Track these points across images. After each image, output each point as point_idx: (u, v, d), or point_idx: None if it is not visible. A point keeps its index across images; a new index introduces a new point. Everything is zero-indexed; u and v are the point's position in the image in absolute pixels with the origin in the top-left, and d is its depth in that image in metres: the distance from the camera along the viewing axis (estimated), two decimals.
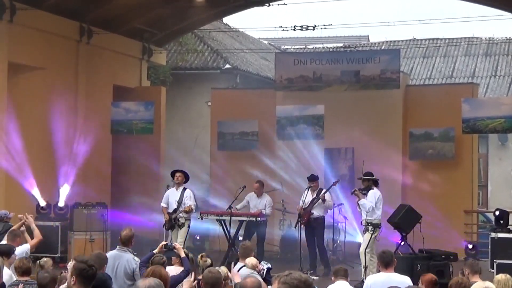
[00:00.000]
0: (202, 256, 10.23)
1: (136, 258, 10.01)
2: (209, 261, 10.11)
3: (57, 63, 17.78)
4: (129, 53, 20.46)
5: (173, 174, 15.13)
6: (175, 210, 14.72)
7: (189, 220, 14.84)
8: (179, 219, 14.68)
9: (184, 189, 14.83)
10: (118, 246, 10.08)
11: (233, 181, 17.24)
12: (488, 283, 7.25)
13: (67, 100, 18.03)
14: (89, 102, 18.67)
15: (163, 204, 15.07)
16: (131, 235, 10.17)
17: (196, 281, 9.63)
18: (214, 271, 7.32)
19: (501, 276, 8.18)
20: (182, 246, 13.99)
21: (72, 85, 18.35)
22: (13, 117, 16.42)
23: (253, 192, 16.33)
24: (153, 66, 22.08)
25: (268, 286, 9.61)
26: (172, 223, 14.70)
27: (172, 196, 14.91)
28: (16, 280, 8.64)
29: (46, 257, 10.88)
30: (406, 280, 9.15)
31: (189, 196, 14.72)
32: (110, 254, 9.95)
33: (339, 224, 17.17)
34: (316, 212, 15.33)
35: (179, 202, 14.68)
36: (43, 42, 17.25)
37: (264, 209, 16.07)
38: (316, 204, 15.25)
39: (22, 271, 8.80)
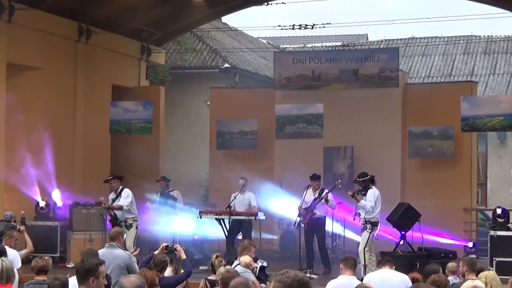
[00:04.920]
0: (217, 256, 10.34)
1: (128, 252, 10.10)
2: (224, 262, 10.20)
3: (56, 63, 17.78)
4: (128, 52, 20.45)
5: (107, 182, 15.22)
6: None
7: (137, 221, 14.99)
8: (127, 220, 14.81)
9: (122, 189, 14.97)
10: (107, 244, 10.16)
11: (232, 180, 17.23)
12: (477, 282, 7.25)
13: (65, 100, 18.04)
14: (88, 102, 18.68)
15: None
16: (120, 231, 10.49)
17: (203, 280, 9.69)
18: (232, 271, 7.33)
19: (487, 273, 8.20)
20: (133, 246, 14.21)
21: (71, 85, 18.35)
22: (12, 117, 16.42)
23: (238, 191, 16.32)
24: (152, 66, 22.08)
25: (262, 284, 9.71)
26: (113, 221, 14.75)
27: (111, 199, 15.03)
28: (34, 279, 8.72)
29: (45, 256, 10.91)
30: (405, 278, 9.20)
31: (126, 195, 14.85)
32: (99, 252, 9.98)
33: (338, 222, 17.18)
34: (318, 212, 15.31)
35: (114, 201, 14.85)
36: (42, 42, 17.24)
37: (254, 205, 16.20)
38: (319, 204, 15.23)
39: (38, 270, 8.86)
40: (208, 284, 9.91)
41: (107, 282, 6.93)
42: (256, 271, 9.93)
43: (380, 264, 9.90)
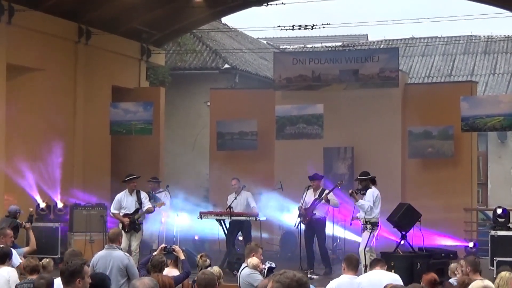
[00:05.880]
0: (201, 256, 10.29)
1: (127, 254, 10.11)
2: (208, 261, 10.16)
3: (56, 64, 17.78)
4: (128, 53, 20.46)
5: (127, 181, 15.20)
6: (136, 211, 14.85)
7: (142, 223, 15.10)
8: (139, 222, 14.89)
9: (139, 191, 15.02)
10: (106, 245, 10.16)
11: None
12: (487, 282, 7.21)
13: (65, 101, 18.04)
14: (88, 103, 18.68)
15: (114, 211, 15.07)
16: (119, 233, 10.51)
17: (191, 281, 9.72)
18: (207, 273, 7.39)
19: (504, 274, 8.13)
20: (138, 249, 14.22)
21: (71, 86, 18.36)
22: (12, 119, 16.42)
23: (235, 193, 16.31)
24: (151, 67, 22.08)
25: None
26: (134, 225, 14.79)
27: (126, 201, 14.98)
28: (27, 279, 8.76)
29: (46, 258, 10.95)
30: (395, 277, 9.21)
31: (147, 197, 15.15)
32: (100, 254, 10.00)
33: (339, 223, 17.17)
34: (318, 213, 15.29)
35: (139, 203, 14.89)
36: (42, 43, 17.25)
37: (254, 206, 16.15)
38: (319, 204, 15.21)
39: (30, 269, 8.92)
40: (193, 286, 9.91)
41: (103, 283, 6.94)
42: (264, 272, 9.92)
43: (371, 266, 9.92)
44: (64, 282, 6.07)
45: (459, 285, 8.17)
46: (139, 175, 15.51)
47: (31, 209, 15.09)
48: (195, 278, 9.72)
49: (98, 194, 17.75)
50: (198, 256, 10.30)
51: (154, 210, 15.05)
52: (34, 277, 8.79)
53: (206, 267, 9.83)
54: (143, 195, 15.08)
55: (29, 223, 13.01)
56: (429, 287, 8.70)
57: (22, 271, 9.77)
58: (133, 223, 14.80)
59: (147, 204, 14.92)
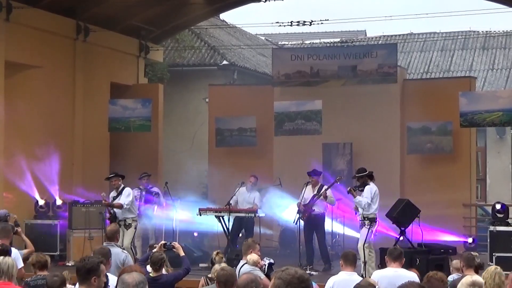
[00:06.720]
0: (218, 253, 10.30)
1: (125, 251, 10.11)
2: (224, 258, 10.20)
3: (54, 61, 17.77)
4: (126, 50, 20.43)
5: (108, 179, 15.17)
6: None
7: (136, 221, 14.84)
8: (126, 220, 14.62)
9: (123, 188, 14.82)
10: (104, 242, 10.17)
11: (231, 178, 17.22)
12: (476, 277, 7.23)
13: (64, 98, 18.03)
14: (87, 100, 18.67)
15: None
16: (116, 230, 10.51)
17: (204, 277, 9.67)
18: (227, 269, 7.34)
19: (491, 268, 8.16)
20: (130, 246, 14.11)
21: (69, 83, 18.34)
22: (10, 116, 16.41)
23: (244, 188, 16.27)
24: (150, 63, 22.06)
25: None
26: (115, 220, 14.50)
27: (112, 197, 14.92)
28: (39, 275, 8.76)
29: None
30: (414, 276, 9.06)
31: (127, 194, 14.69)
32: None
33: (338, 219, 17.17)
34: (317, 209, 15.29)
35: (115, 199, 14.68)
36: (40, 40, 17.23)
37: (257, 204, 16.11)
38: (318, 200, 15.20)
39: (41, 265, 8.91)
40: (208, 282, 9.91)
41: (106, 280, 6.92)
42: (264, 268, 9.93)
43: (389, 260, 9.47)
44: (79, 280, 6.06)
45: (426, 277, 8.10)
46: (123, 173, 15.21)
47: (14, 215, 15.10)
48: (208, 275, 9.79)
49: (97, 191, 17.71)
50: (214, 253, 10.32)
51: (123, 206, 14.49)
52: (43, 273, 8.78)
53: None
54: (126, 192, 14.71)
55: (18, 227, 13.02)
56: None
57: (25, 271, 9.72)
58: (111, 218, 14.57)
59: (121, 200, 14.59)
